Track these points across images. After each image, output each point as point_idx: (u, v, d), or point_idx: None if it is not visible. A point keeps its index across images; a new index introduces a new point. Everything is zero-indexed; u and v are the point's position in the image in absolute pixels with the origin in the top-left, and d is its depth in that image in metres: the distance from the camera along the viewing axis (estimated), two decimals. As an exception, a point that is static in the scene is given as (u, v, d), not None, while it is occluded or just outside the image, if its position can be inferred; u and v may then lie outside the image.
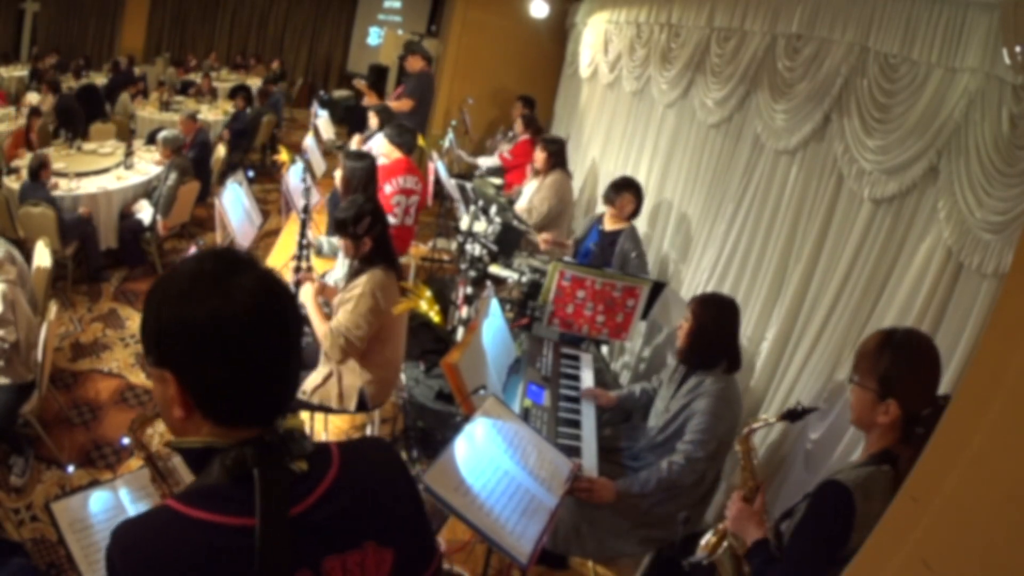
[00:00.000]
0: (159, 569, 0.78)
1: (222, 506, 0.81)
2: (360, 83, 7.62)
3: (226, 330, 0.82)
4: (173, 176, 5.13)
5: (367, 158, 3.77)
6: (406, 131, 4.44)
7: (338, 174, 3.81)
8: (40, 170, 4.59)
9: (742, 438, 1.79)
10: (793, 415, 1.73)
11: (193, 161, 5.96)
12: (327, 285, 3.07)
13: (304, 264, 3.25)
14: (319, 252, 4.10)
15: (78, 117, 7.19)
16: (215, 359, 0.82)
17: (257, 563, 0.79)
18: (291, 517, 0.84)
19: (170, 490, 1.24)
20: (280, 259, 4.06)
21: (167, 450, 1.54)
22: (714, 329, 2.41)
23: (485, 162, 6.32)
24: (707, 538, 1.81)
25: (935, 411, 1.55)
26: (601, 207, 4.00)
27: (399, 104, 6.18)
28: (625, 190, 3.78)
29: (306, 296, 2.83)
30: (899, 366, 1.57)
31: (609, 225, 3.84)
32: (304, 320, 2.84)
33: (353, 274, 2.80)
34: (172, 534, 0.80)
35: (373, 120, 5.42)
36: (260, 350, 0.84)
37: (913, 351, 1.62)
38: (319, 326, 2.76)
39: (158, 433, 3.47)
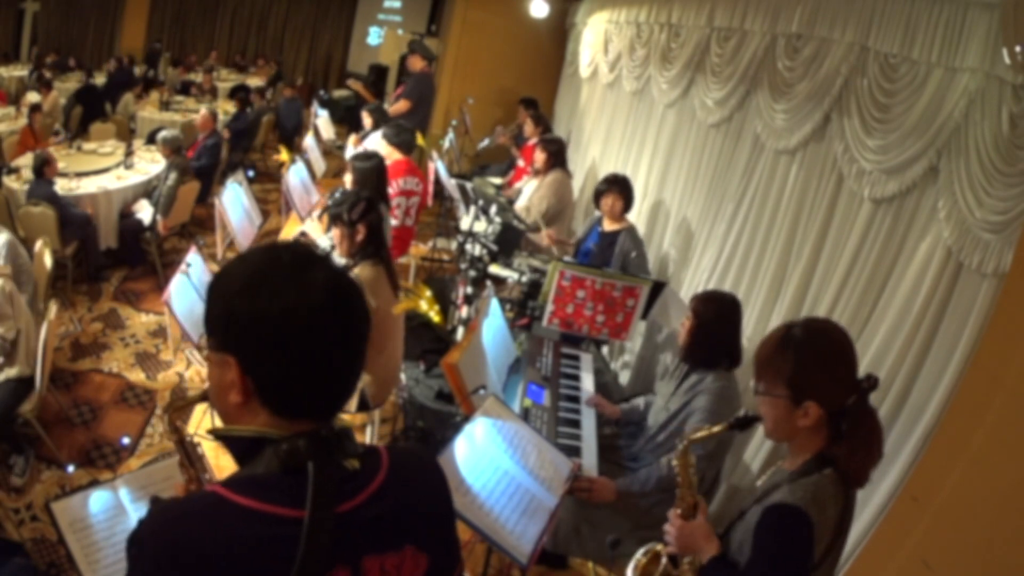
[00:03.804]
0: (191, 554, 0.77)
1: (271, 496, 0.81)
2: (355, 83, 7.60)
3: (298, 323, 0.82)
4: (173, 176, 5.13)
5: (375, 158, 3.77)
6: (404, 131, 4.44)
7: (347, 178, 3.81)
8: (44, 167, 4.59)
9: (679, 452, 1.63)
10: (742, 423, 1.60)
11: (204, 167, 5.97)
12: None
13: None
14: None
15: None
16: (284, 351, 0.82)
17: (300, 555, 0.78)
18: (338, 513, 0.84)
19: (198, 476, 1.23)
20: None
21: (195, 436, 1.54)
22: (716, 326, 2.41)
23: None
24: (637, 559, 1.70)
25: (860, 397, 1.43)
26: (600, 207, 4.01)
27: (397, 107, 6.18)
28: (607, 192, 3.78)
29: None
30: (805, 365, 1.43)
31: (609, 226, 3.84)
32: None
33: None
34: (216, 519, 0.79)
35: (367, 120, 5.41)
36: (329, 345, 0.84)
37: (815, 345, 1.46)
38: None
39: (158, 433, 3.47)
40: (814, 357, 1.45)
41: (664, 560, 1.65)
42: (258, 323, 0.82)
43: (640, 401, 2.81)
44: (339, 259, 2.96)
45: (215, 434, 0.90)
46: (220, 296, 0.86)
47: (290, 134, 8.51)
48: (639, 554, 1.71)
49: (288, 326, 0.82)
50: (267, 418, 0.85)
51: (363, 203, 2.70)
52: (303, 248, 0.89)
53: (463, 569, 1.05)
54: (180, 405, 1.25)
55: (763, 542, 1.40)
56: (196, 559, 0.77)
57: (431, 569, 0.95)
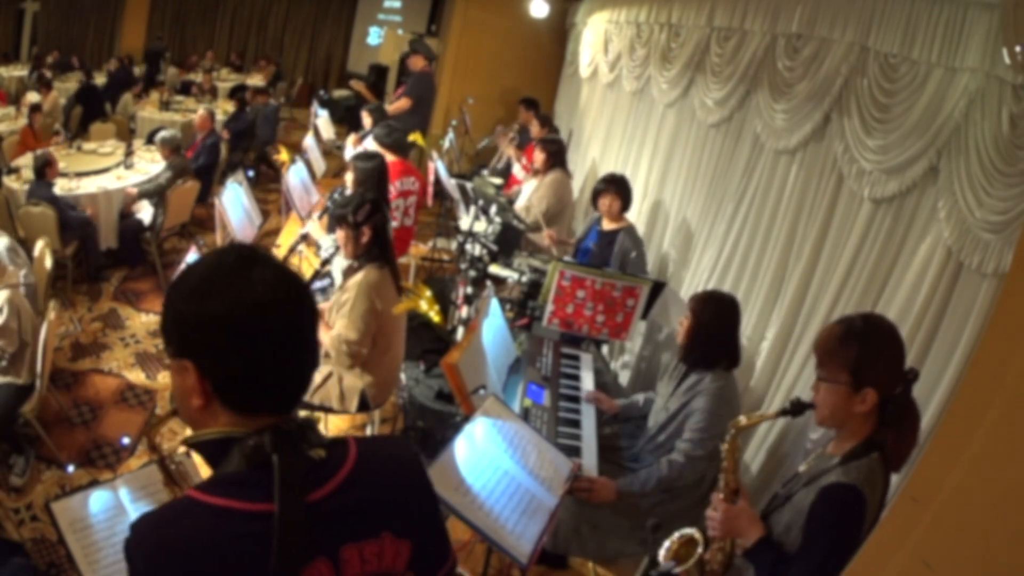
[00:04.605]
0: (175, 554, 0.80)
1: (241, 492, 0.83)
2: (357, 84, 7.61)
3: (245, 319, 0.84)
4: (167, 175, 5.15)
5: (376, 158, 3.77)
6: (394, 131, 4.41)
7: (348, 177, 3.81)
8: (45, 168, 4.59)
9: (732, 436, 1.72)
10: (795, 410, 1.66)
11: (203, 167, 5.97)
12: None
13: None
14: (319, 251, 4.09)
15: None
16: (234, 347, 0.85)
17: (275, 548, 0.80)
18: (309, 503, 0.85)
19: (183, 492, 1.24)
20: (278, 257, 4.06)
21: (179, 453, 1.54)
22: (714, 327, 2.41)
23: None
24: (669, 544, 1.74)
25: (905, 388, 1.58)
26: (600, 207, 4.01)
27: (397, 105, 6.17)
28: (605, 192, 3.77)
29: None
30: (868, 354, 1.55)
31: (608, 225, 3.84)
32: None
33: (349, 272, 2.79)
34: (190, 520, 0.82)
35: (367, 120, 5.42)
36: (277, 339, 0.86)
37: (878, 336, 1.60)
38: (322, 335, 2.75)
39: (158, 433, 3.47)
40: (876, 347, 1.57)
41: (700, 546, 1.70)
42: (207, 324, 0.84)
43: (639, 397, 2.81)
44: (344, 261, 2.96)
45: (187, 443, 0.92)
46: (171, 303, 0.88)
47: (261, 144, 7.89)
48: (672, 539, 1.75)
49: (236, 324, 0.84)
50: (229, 418, 0.88)
51: (368, 205, 2.69)
52: (247, 248, 0.91)
53: (455, 562, 1.04)
54: (155, 423, 1.26)
55: (821, 521, 1.50)
56: (181, 561, 0.80)
57: (416, 556, 0.95)
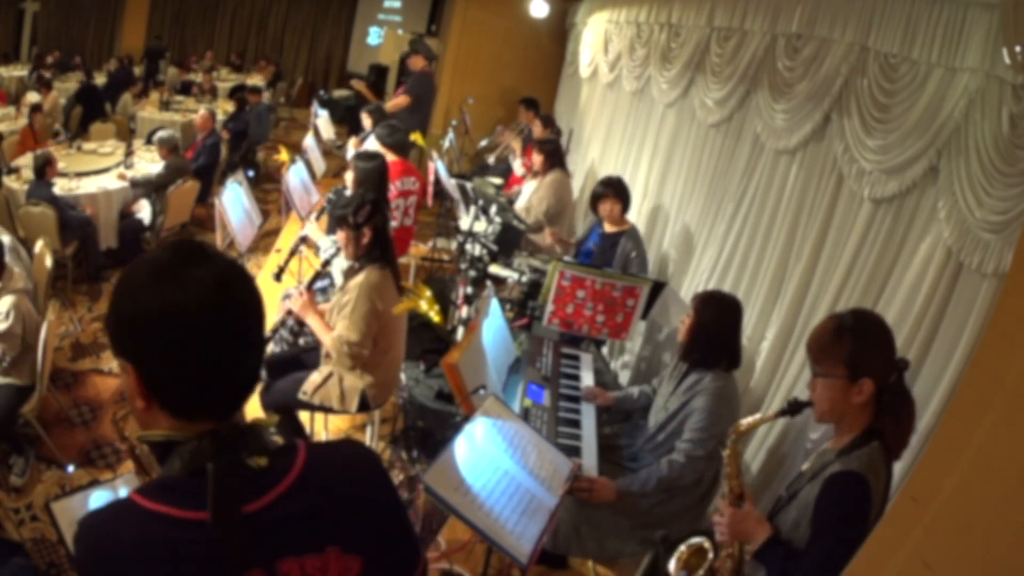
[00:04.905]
0: (109, 557, 0.80)
1: (178, 499, 0.81)
2: (358, 84, 7.60)
3: (178, 321, 0.81)
4: (162, 172, 5.16)
5: (377, 158, 3.77)
6: (397, 130, 4.41)
7: (348, 177, 3.80)
8: (46, 168, 4.59)
9: (732, 441, 1.73)
10: (793, 409, 1.68)
11: (203, 167, 5.97)
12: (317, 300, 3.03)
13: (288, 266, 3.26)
14: (318, 252, 4.10)
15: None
16: (167, 350, 0.82)
17: (206, 558, 0.79)
18: (245, 514, 0.82)
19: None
20: (278, 259, 4.06)
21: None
22: (716, 327, 2.41)
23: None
24: (680, 552, 1.76)
25: (899, 376, 1.63)
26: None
27: (396, 101, 6.15)
28: (604, 197, 3.73)
29: (301, 309, 2.79)
30: (862, 345, 1.61)
31: (609, 227, 3.83)
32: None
33: (350, 274, 2.79)
34: (126, 524, 0.81)
35: (367, 121, 5.41)
36: (213, 343, 0.83)
37: (869, 327, 1.65)
38: (324, 337, 2.75)
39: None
40: (868, 338, 1.63)
41: (711, 554, 1.72)
42: (142, 324, 0.82)
43: (634, 390, 2.81)
44: (344, 261, 2.96)
45: (139, 440, 0.91)
46: (111, 302, 0.86)
47: (252, 143, 7.65)
48: (682, 549, 1.77)
49: (168, 324, 0.81)
50: (169, 421, 0.85)
51: (369, 206, 2.68)
52: (188, 246, 0.88)
53: (426, 569, 1.00)
54: (124, 414, 1.25)
55: (828, 509, 1.53)
56: (112, 563, 0.80)
57: (368, 571, 0.91)
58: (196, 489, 0.81)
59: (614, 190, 3.74)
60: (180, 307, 0.81)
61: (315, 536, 0.87)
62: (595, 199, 3.77)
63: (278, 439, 0.91)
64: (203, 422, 0.85)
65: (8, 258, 2.96)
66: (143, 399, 0.85)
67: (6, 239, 3.33)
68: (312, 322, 2.79)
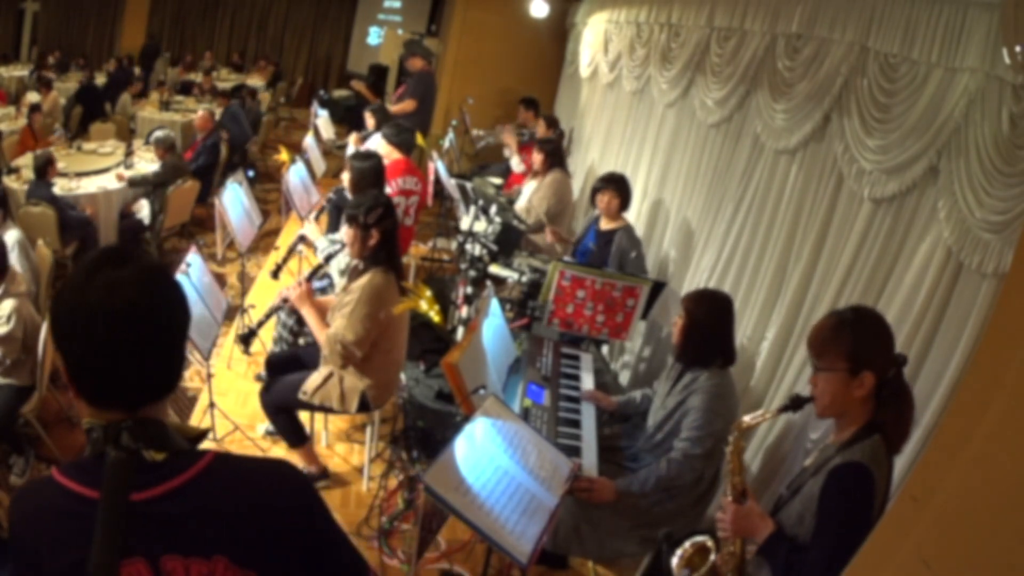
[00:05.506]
0: (21, 523, 0.94)
1: (80, 477, 0.91)
2: (358, 84, 7.60)
3: (80, 317, 0.88)
4: (160, 172, 5.17)
5: (373, 157, 3.77)
6: (404, 130, 4.44)
7: (345, 176, 3.80)
8: (47, 167, 4.59)
9: (735, 437, 1.74)
10: (794, 405, 1.70)
11: (203, 167, 5.97)
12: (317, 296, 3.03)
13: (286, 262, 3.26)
14: (317, 252, 4.10)
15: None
16: (74, 343, 0.90)
17: (95, 533, 0.86)
18: (133, 501, 0.88)
19: None
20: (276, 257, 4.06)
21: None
22: (708, 325, 2.41)
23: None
24: (683, 550, 1.77)
25: (897, 370, 1.65)
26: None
27: (401, 106, 6.17)
28: (604, 189, 3.79)
29: (298, 299, 2.80)
30: (862, 339, 1.63)
31: (606, 224, 3.84)
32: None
33: (354, 275, 2.79)
34: (41, 496, 0.94)
35: (370, 120, 5.41)
36: (107, 346, 0.89)
37: (868, 322, 1.68)
38: (318, 332, 2.75)
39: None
40: (868, 331, 1.66)
41: (713, 553, 1.72)
42: (57, 321, 0.91)
43: (637, 394, 2.81)
44: (343, 261, 2.96)
45: (84, 426, 0.97)
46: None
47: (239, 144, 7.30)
48: (684, 547, 1.78)
49: (74, 319, 0.89)
50: (87, 408, 0.93)
51: (381, 208, 2.68)
52: (113, 250, 0.94)
53: None
54: None
55: (832, 500, 1.54)
56: (23, 529, 0.93)
57: None
58: (97, 470, 0.89)
59: (615, 185, 3.77)
60: (83, 305, 0.88)
61: (202, 540, 0.91)
62: (595, 191, 3.84)
63: (185, 445, 0.95)
64: (115, 412, 0.92)
65: (14, 255, 2.96)
66: (71, 387, 0.93)
67: (15, 235, 3.33)
68: (307, 314, 2.79)
